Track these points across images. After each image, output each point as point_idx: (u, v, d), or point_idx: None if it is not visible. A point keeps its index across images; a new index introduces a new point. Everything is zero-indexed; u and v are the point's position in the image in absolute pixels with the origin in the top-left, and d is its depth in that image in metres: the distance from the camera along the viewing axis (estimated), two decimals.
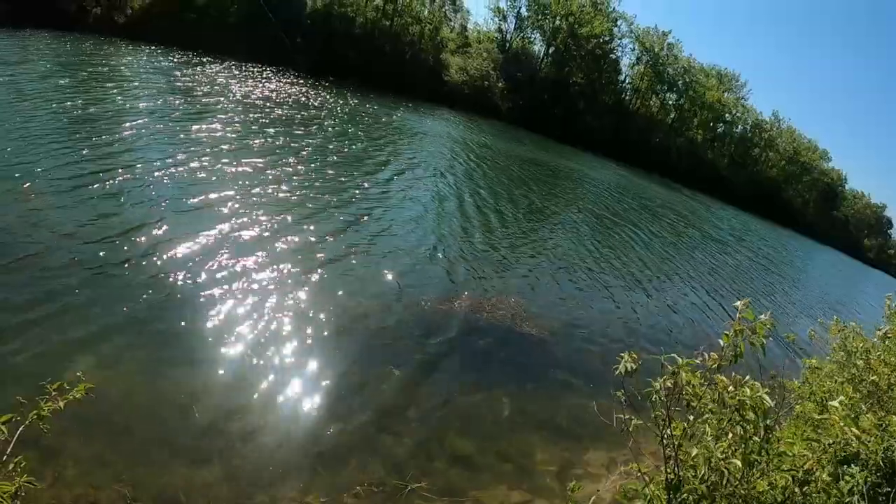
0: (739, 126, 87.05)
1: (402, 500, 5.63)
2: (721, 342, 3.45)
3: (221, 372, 6.69)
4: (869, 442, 3.43)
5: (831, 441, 3.48)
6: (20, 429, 2.84)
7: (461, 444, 6.75)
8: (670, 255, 22.73)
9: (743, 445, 3.22)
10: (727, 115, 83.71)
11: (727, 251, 30.96)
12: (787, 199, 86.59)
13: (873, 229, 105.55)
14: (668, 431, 3.38)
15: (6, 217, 8.65)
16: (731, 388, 3.19)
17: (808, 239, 75.94)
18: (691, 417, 3.38)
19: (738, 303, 3.47)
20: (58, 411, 3.03)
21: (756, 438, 3.22)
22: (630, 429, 3.54)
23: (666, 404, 3.31)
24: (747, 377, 3.30)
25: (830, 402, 3.80)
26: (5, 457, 2.81)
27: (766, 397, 3.12)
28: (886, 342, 6.11)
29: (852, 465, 3.32)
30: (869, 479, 3.26)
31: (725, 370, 3.34)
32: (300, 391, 6.79)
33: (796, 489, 3.37)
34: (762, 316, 3.42)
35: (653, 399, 3.31)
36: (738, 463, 3.14)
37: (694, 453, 3.31)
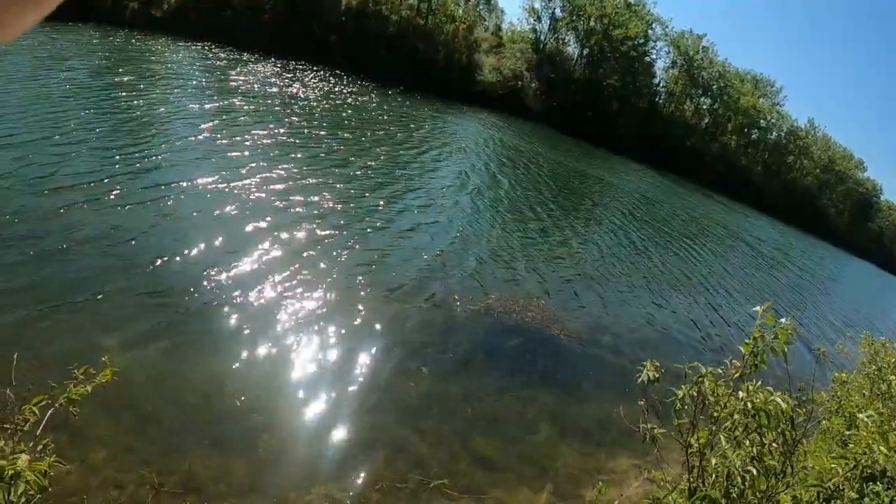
0: (774, 132, 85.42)
1: (425, 496, 5.66)
2: (742, 350, 3.40)
3: (249, 365, 6.77)
4: None
5: (858, 456, 3.42)
6: (49, 412, 2.92)
7: (486, 445, 6.76)
8: (707, 264, 22.42)
9: (759, 450, 3.17)
10: (762, 121, 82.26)
11: (769, 264, 30.43)
12: (820, 209, 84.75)
13: None
14: (692, 440, 3.36)
15: (43, 211, 8.87)
16: (741, 393, 3.13)
17: (841, 250, 74.24)
18: (713, 427, 3.34)
19: (758, 308, 3.39)
20: (85, 395, 3.10)
21: (774, 445, 3.17)
22: (651, 438, 3.51)
23: (690, 413, 3.29)
24: (759, 382, 3.24)
25: (858, 415, 3.73)
26: (35, 437, 2.89)
27: (780, 400, 3.05)
28: None
29: (878, 483, 3.27)
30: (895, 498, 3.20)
31: (752, 380, 3.28)
32: (329, 386, 6.84)
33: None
34: (783, 320, 3.34)
35: (676, 408, 3.29)
36: (754, 471, 3.10)
37: (714, 463, 3.26)
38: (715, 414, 3.24)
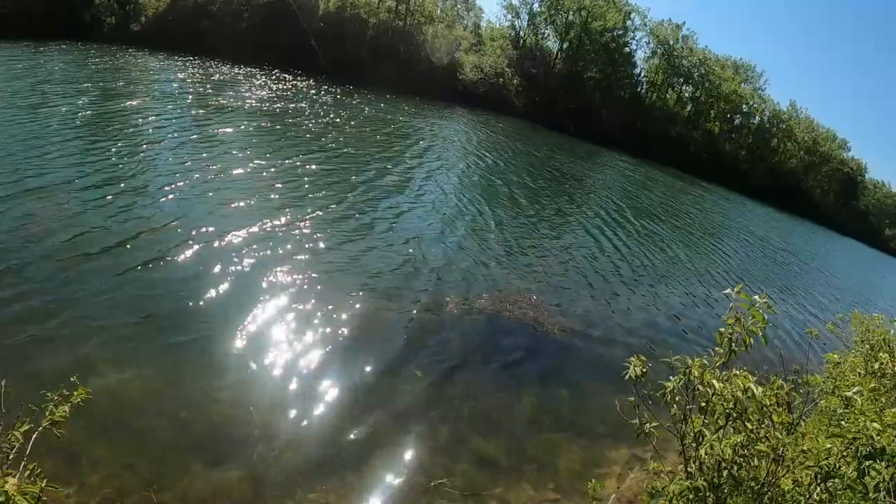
0: (757, 117, 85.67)
1: (425, 498, 5.66)
2: (716, 338, 3.38)
3: (243, 376, 6.75)
4: (894, 438, 3.34)
5: (854, 435, 3.40)
6: (34, 435, 2.89)
7: (484, 444, 6.76)
8: (705, 254, 22.58)
9: (748, 437, 3.15)
10: (744, 106, 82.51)
11: (772, 252, 30.55)
12: (806, 191, 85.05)
13: (895, 219, 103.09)
14: (686, 430, 3.35)
15: (33, 225, 8.81)
16: (717, 383, 3.11)
17: (829, 230, 74.65)
18: (702, 416, 3.32)
19: (730, 290, 3.35)
20: (74, 416, 3.08)
21: (762, 431, 3.15)
22: (646, 431, 3.50)
23: (681, 404, 3.28)
24: (743, 368, 3.22)
25: (846, 393, 3.71)
26: (23, 463, 2.85)
27: (754, 387, 3.03)
28: None
29: (878, 461, 3.25)
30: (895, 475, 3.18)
31: (733, 367, 3.26)
32: (323, 393, 6.83)
33: (820, 484, 3.31)
34: (756, 297, 3.29)
35: (667, 400, 3.28)
36: (740, 459, 3.08)
37: (702, 452, 3.24)
38: (703, 403, 3.23)
